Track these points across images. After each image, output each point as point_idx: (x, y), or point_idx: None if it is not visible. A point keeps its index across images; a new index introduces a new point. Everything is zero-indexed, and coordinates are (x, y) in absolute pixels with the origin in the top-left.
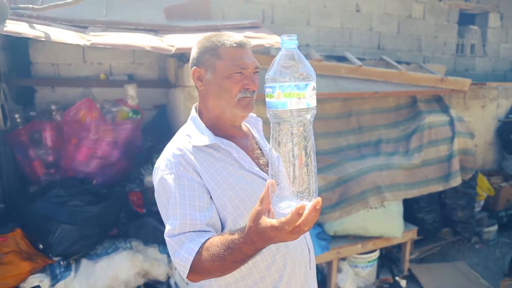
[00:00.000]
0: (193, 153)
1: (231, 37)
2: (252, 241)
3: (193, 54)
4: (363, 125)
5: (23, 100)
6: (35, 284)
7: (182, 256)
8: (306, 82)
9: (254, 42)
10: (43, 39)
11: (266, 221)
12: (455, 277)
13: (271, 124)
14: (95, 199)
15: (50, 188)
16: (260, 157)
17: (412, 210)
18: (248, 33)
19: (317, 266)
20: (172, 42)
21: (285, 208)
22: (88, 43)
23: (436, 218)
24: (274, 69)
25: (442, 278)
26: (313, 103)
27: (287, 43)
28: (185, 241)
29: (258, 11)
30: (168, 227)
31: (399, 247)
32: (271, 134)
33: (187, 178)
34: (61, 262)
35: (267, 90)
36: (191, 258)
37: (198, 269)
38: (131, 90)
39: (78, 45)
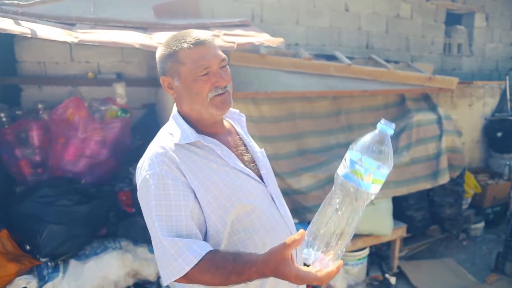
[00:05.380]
0: (176, 151)
1: (188, 37)
2: (265, 275)
3: (158, 63)
4: (353, 123)
5: (9, 99)
6: (22, 286)
7: (178, 264)
8: (388, 171)
9: (243, 40)
10: (29, 35)
11: (291, 268)
12: (443, 273)
13: (334, 187)
14: (83, 198)
15: (37, 188)
16: (245, 153)
17: (401, 208)
18: (238, 31)
19: None
20: (161, 39)
21: (305, 254)
22: (75, 40)
23: (424, 216)
24: (370, 149)
25: (430, 275)
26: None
27: (385, 128)
28: (182, 247)
29: (247, 10)
30: (155, 228)
31: (389, 244)
32: (330, 196)
33: (171, 177)
34: (49, 263)
35: (359, 168)
36: (188, 268)
37: (191, 278)
38: (119, 89)
39: (65, 43)
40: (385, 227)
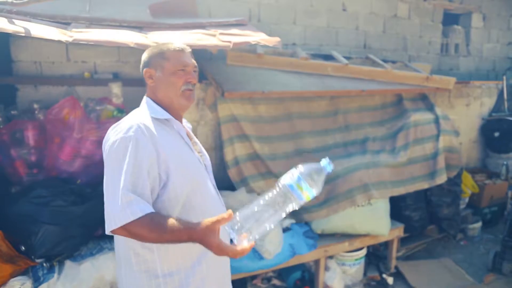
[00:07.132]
0: (152, 123)
1: (175, 44)
2: (193, 240)
3: (145, 58)
4: (350, 123)
5: (4, 99)
6: (17, 287)
7: (124, 213)
8: (315, 194)
9: (239, 39)
10: (23, 34)
11: (215, 238)
12: (441, 273)
13: (274, 189)
14: (79, 199)
15: (32, 188)
16: (195, 145)
17: (398, 208)
18: (234, 30)
19: (304, 264)
20: (157, 39)
21: (231, 234)
22: (70, 39)
23: (422, 216)
24: (311, 176)
25: (428, 275)
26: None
27: (326, 166)
28: (132, 200)
29: (245, 10)
30: (118, 181)
31: (386, 244)
32: (266, 194)
33: (143, 142)
34: (44, 264)
35: (303, 184)
36: (132, 218)
37: (130, 230)
38: (115, 89)
39: (61, 42)
40: (383, 227)
